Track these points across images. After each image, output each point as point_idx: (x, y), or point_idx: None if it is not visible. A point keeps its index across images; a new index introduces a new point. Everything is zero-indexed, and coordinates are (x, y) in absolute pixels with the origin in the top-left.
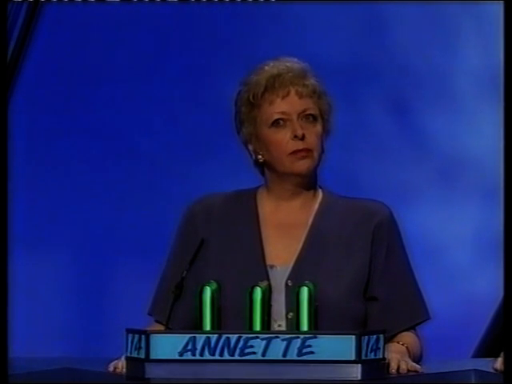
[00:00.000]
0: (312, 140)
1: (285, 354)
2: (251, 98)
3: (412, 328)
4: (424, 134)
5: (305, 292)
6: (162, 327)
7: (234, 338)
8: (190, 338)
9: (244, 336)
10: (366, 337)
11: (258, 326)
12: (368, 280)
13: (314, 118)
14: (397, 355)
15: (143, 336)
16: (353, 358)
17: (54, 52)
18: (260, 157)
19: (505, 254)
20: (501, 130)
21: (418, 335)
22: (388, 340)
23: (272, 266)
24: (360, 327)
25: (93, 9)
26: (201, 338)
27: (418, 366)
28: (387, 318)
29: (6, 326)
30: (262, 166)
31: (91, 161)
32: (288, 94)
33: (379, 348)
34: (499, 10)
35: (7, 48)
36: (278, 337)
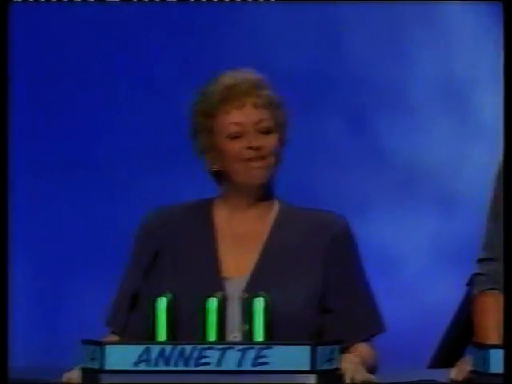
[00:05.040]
0: (268, 150)
1: (240, 365)
2: (207, 108)
3: (367, 339)
4: (380, 144)
5: (259, 303)
6: (118, 338)
7: (188, 348)
8: (145, 348)
9: (198, 346)
10: (321, 347)
11: (212, 337)
12: (324, 292)
13: (270, 128)
14: (351, 366)
15: (98, 347)
16: (307, 368)
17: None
18: (215, 167)
19: (505, 255)
20: (456, 139)
21: (372, 346)
22: (343, 351)
23: (227, 278)
24: (315, 338)
25: (56, 8)
26: (155, 349)
27: (372, 376)
28: (342, 330)
29: None
30: (218, 176)
31: (49, 169)
32: (244, 104)
33: (334, 358)
34: (455, 18)
35: (7, 49)
36: (232, 347)
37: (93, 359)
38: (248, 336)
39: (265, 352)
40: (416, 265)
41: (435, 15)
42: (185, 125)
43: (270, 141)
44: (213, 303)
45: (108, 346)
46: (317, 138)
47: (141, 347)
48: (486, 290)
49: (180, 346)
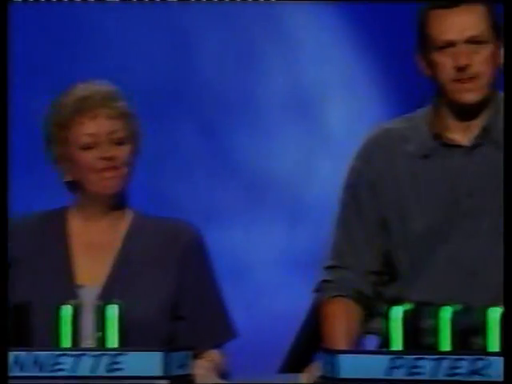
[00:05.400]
0: (120, 160)
1: (93, 370)
2: (60, 119)
3: (218, 347)
4: (232, 154)
5: (112, 310)
6: None
7: (42, 355)
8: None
9: (53, 353)
10: (174, 353)
11: (67, 344)
12: (176, 299)
13: (123, 139)
14: (203, 371)
15: None
16: (160, 373)
17: None
18: (68, 176)
19: (505, 255)
20: (304, 149)
21: (224, 352)
22: (195, 357)
23: (82, 286)
24: (169, 345)
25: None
26: (10, 356)
27: (224, 382)
28: (194, 337)
29: None
30: (72, 186)
31: None
32: (97, 116)
33: (186, 364)
34: (303, 29)
35: (7, 49)
36: (86, 353)
37: None
38: (102, 343)
39: (118, 358)
40: (266, 272)
41: (284, 26)
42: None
43: (123, 151)
44: (67, 311)
45: None
46: (168, 146)
47: None
48: (334, 296)
49: (34, 353)
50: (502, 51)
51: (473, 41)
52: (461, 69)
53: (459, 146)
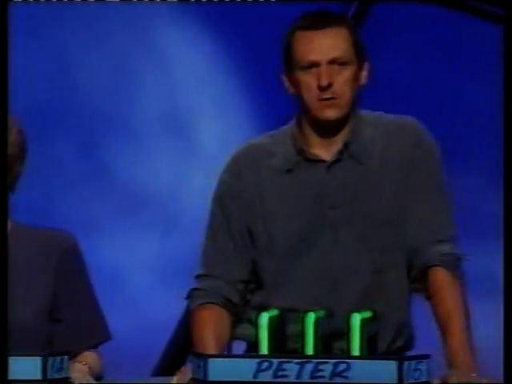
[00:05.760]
0: None
1: None
2: None
3: (94, 347)
4: (107, 168)
5: None
6: None
7: None
8: None
9: None
10: (51, 357)
11: None
12: (54, 303)
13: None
14: (79, 374)
15: None
16: (39, 377)
17: None
18: None
19: (505, 253)
20: (177, 164)
21: (99, 354)
22: (72, 359)
23: None
24: (48, 348)
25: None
26: None
27: (99, 383)
28: (70, 339)
29: None
30: None
31: None
32: None
33: (64, 368)
34: (175, 46)
35: (7, 49)
36: None
37: None
38: None
39: None
40: (141, 280)
41: (155, 35)
42: None
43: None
44: None
45: None
46: (48, 160)
47: None
48: (203, 303)
49: None
50: (363, 72)
51: (335, 62)
52: (323, 88)
53: (321, 161)
